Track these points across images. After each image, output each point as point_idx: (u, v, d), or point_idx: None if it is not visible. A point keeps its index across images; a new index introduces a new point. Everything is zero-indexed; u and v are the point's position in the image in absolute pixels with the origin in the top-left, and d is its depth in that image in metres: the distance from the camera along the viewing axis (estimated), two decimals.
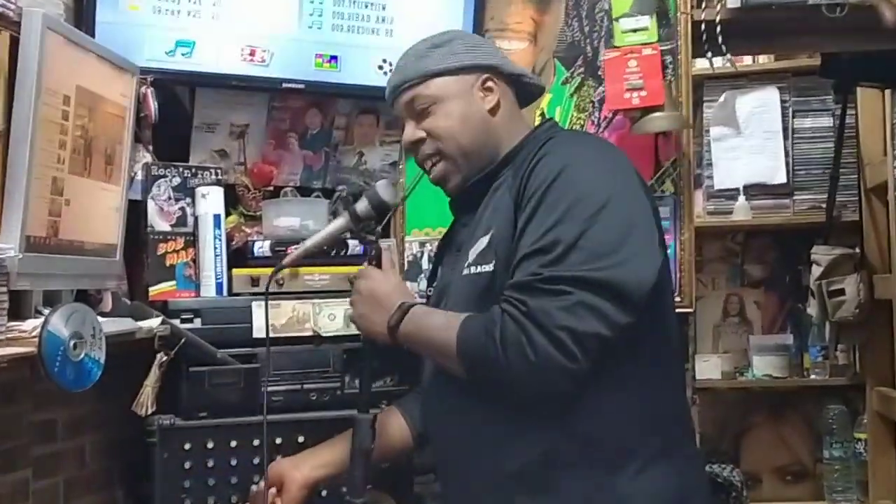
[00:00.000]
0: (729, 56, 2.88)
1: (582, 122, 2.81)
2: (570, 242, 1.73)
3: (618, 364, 1.79)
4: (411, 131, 2.04)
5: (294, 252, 2.16)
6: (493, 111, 2.01)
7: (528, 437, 1.84)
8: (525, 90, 2.10)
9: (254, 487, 2.18)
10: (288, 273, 2.50)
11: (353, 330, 2.15)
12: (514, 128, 2.05)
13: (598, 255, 1.73)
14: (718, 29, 2.72)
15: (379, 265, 2.06)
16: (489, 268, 1.86)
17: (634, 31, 2.66)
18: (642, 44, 2.65)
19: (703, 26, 2.74)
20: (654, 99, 2.63)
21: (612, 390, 1.82)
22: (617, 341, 1.73)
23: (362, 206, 2.06)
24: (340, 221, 2.09)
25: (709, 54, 2.86)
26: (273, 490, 2.14)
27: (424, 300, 2.19)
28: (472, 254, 1.92)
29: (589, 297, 1.70)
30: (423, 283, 2.86)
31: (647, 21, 2.65)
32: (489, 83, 2.02)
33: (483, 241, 1.90)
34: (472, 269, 1.91)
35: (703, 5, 2.79)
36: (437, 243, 2.33)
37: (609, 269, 1.72)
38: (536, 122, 2.24)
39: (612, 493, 1.81)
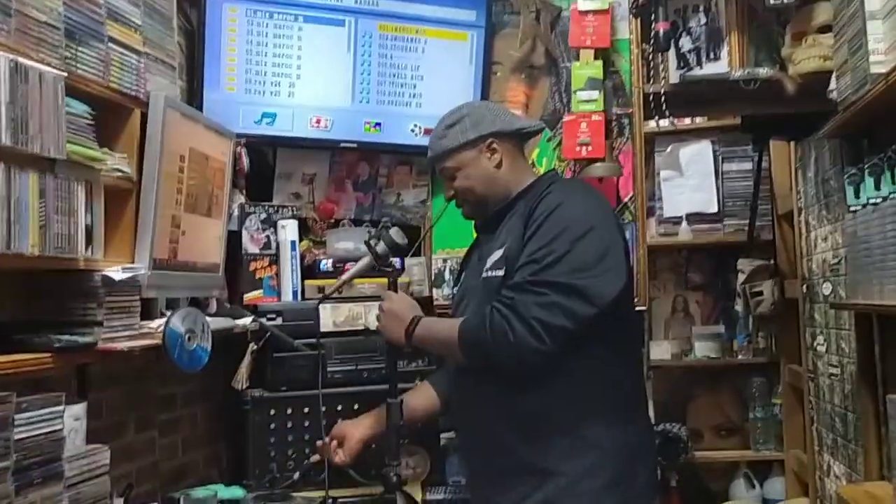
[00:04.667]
0: (671, 118, 2.89)
1: (562, 169, 2.81)
2: (558, 256, 1.77)
3: (593, 347, 1.83)
4: (447, 190, 2.09)
5: (335, 284, 2.23)
6: (498, 166, 2.02)
7: (524, 401, 1.86)
8: (528, 135, 2.10)
9: (319, 442, 2.19)
10: None
11: None
12: (520, 173, 2.05)
13: (577, 268, 1.76)
14: (663, 98, 2.73)
15: (395, 290, 2.09)
16: (500, 273, 1.88)
17: (587, 101, 2.64)
18: (592, 111, 2.62)
19: (651, 97, 2.75)
20: (597, 152, 2.61)
21: (588, 367, 1.85)
22: (583, 332, 1.77)
23: (381, 247, 2.09)
24: (366, 260, 2.10)
25: (656, 117, 2.86)
26: (334, 443, 2.15)
27: (451, 299, 2.21)
28: (489, 262, 1.93)
29: (563, 299, 1.74)
30: (447, 290, 2.87)
31: (597, 94, 2.63)
32: (493, 146, 2.01)
33: (498, 254, 1.91)
34: (489, 273, 1.92)
35: (651, 81, 2.79)
36: (461, 256, 2.34)
37: (584, 279, 1.76)
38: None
39: (586, 441, 1.83)
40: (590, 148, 2.62)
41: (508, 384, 1.87)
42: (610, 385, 1.89)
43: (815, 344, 2.97)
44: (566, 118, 2.68)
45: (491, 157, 2.02)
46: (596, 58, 2.68)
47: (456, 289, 2.21)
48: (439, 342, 1.96)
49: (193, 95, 2.52)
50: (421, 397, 2.19)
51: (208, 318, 2.04)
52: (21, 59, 1.52)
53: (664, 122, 3.21)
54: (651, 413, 2.73)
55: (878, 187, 2.11)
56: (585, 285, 1.75)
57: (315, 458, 2.24)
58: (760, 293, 3.40)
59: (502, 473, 1.89)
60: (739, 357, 3.64)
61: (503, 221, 2.01)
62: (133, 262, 1.90)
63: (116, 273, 1.74)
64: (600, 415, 1.86)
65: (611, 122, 2.74)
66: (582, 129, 2.63)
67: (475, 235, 2.18)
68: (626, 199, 2.77)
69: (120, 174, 1.88)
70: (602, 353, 1.86)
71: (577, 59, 2.71)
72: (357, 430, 2.15)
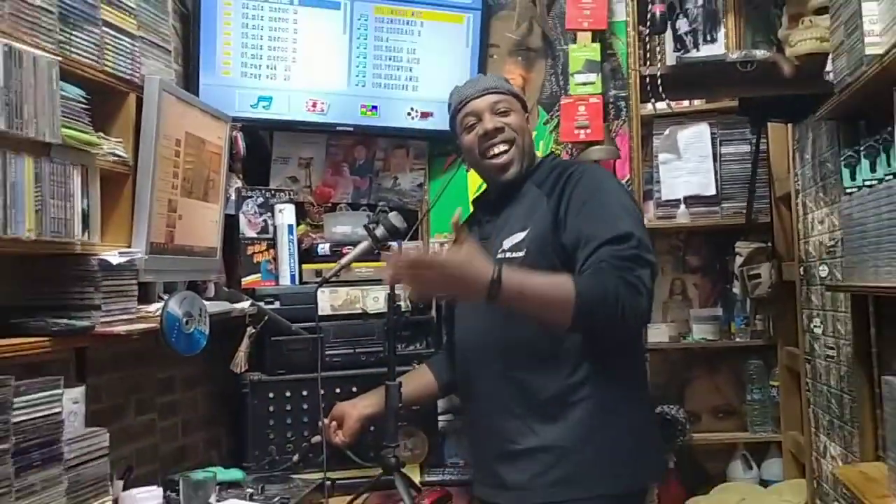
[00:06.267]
0: (667, 101, 2.89)
1: (559, 152, 2.82)
2: (638, 236, 1.78)
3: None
4: (495, 120, 2.00)
5: (334, 269, 2.18)
6: (530, 132, 2.08)
7: (546, 382, 1.85)
8: None
9: (320, 423, 2.20)
10: None
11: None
12: (534, 152, 2.09)
13: (649, 247, 1.80)
14: (659, 81, 2.72)
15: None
16: (521, 254, 1.87)
17: (584, 84, 2.64)
18: (589, 94, 2.63)
19: (647, 79, 2.74)
20: (596, 135, 2.62)
21: (616, 346, 1.88)
22: None
23: (380, 231, 2.10)
24: (365, 244, 2.11)
25: (652, 100, 2.85)
26: (334, 423, 2.16)
27: None
28: (507, 244, 1.91)
29: (650, 278, 1.76)
30: None
31: (594, 77, 2.63)
32: (529, 117, 2.09)
33: (519, 236, 1.90)
34: (508, 254, 1.89)
35: (648, 63, 2.79)
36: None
37: (653, 257, 1.80)
38: None
39: (608, 420, 1.84)
40: (588, 131, 2.63)
41: (534, 366, 1.86)
42: (633, 364, 1.94)
43: (811, 326, 2.98)
44: (564, 101, 2.68)
45: (529, 123, 2.09)
46: (593, 40, 2.68)
47: None
48: (542, 296, 1.72)
49: (189, 79, 2.52)
50: (419, 380, 2.19)
51: (206, 302, 2.04)
52: (15, 44, 1.52)
53: (661, 105, 3.20)
54: None
55: (873, 169, 2.11)
56: (655, 263, 1.82)
57: (315, 439, 2.24)
58: (758, 276, 3.39)
59: (517, 454, 1.88)
60: (737, 339, 3.63)
61: (509, 204, 1.99)
62: (130, 247, 1.90)
63: (113, 257, 1.75)
64: (624, 393, 1.88)
65: (608, 105, 2.74)
66: (580, 111, 2.63)
67: (471, 214, 2.17)
68: (622, 182, 2.77)
69: (116, 158, 1.88)
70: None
71: (574, 41, 2.70)
72: (355, 409, 2.15)
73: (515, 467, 1.88)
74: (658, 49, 2.78)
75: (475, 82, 2.08)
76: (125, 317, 1.79)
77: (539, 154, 2.69)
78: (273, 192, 2.67)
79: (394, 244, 2.18)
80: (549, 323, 1.75)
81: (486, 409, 1.97)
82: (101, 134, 1.86)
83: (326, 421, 2.16)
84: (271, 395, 2.41)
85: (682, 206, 3.64)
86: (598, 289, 1.70)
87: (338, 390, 2.42)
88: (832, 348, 2.74)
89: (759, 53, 2.62)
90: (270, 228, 2.62)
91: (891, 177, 2.01)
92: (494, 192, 2.06)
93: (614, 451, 1.84)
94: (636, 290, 1.71)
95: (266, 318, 2.37)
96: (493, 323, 1.91)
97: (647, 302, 1.74)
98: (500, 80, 2.08)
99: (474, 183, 2.86)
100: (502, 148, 1.99)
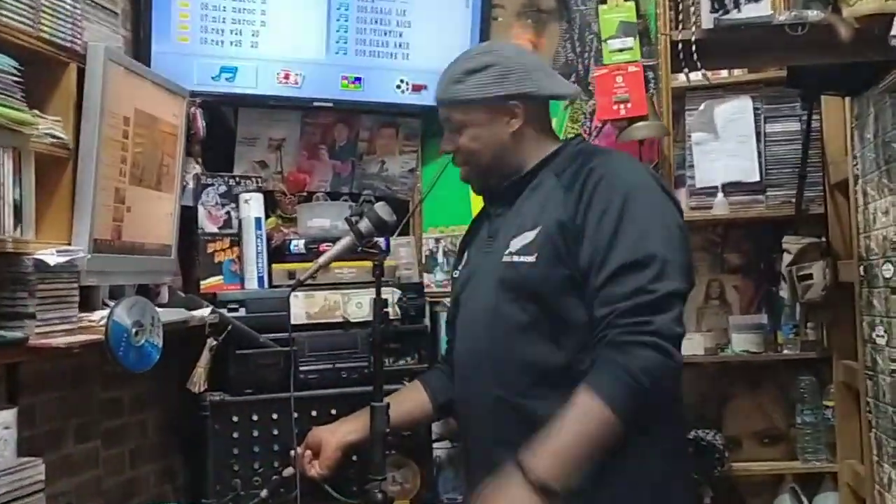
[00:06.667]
0: (703, 71, 2.89)
1: (576, 131, 2.82)
2: (663, 258, 1.76)
3: None
4: (446, 142, 2.05)
5: (310, 269, 2.12)
6: (515, 134, 1.99)
7: (552, 409, 1.77)
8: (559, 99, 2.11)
9: (292, 452, 2.19)
10: None
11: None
12: (541, 141, 2.03)
13: (681, 268, 1.79)
14: (694, 47, 2.72)
15: (382, 273, 2.10)
16: (531, 259, 1.86)
17: (620, 50, 2.64)
18: (627, 62, 2.64)
19: (680, 45, 2.74)
20: (638, 110, 2.63)
21: None
22: None
23: (364, 225, 2.09)
24: (347, 240, 2.10)
25: (686, 70, 2.86)
26: (308, 452, 2.15)
27: (450, 282, 2.17)
28: (516, 244, 1.90)
29: (680, 305, 1.77)
30: (440, 275, 2.88)
31: (632, 42, 2.64)
32: (515, 110, 1.98)
33: (529, 236, 1.89)
34: (515, 258, 1.89)
35: (681, 27, 2.78)
36: (456, 235, 2.32)
37: (686, 280, 1.80)
38: None
39: (623, 453, 1.77)
40: (629, 105, 2.64)
41: (539, 393, 1.85)
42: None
43: (873, 335, 2.98)
44: (598, 72, 2.69)
45: (509, 123, 1.99)
46: None
47: (458, 270, 2.16)
48: (585, 453, 1.70)
49: (139, 47, 2.52)
50: (411, 400, 2.19)
51: (159, 310, 2.03)
52: None
53: (696, 76, 3.20)
54: None
55: None
56: (687, 287, 1.80)
57: (288, 471, 2.24)
58: (810, 276, 3.39)
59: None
60: (785, 351, 3.63)
61: (523, 194, 1.99)
62: (70, 244, 1.90)
63: (51, 256, 1.74)
64: (649, 416, 1.79)
65: None
66: (618, 83, 2.64)
67: (483, 206, 2.15)
68: (648, 167, 2.78)
69: (53, 140, 1.88)
70: None
71: (605, 1, 2.70)
72: (334, 436, 2.15)
73: None
74: (693, 10, 2.77)
75: (440, 80, 2.05)
76: (64, 327, 1.79)
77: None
78: (238, 179, 2.67)
79: (380, 240, 2.18)
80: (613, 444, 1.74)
81: (482, 438, 1.97)
82: (37, 112, 1.85)
83: (300, 449, 2.16)
84: (235, 418, 2.41)
85: (720, 195, 3.64)
86: (620, 388, 1.70)
87: (314, 413, 2.42)
88: None
89: (812, 14, 2.62)
90: (234, 222, 2.62)
91: None
92: (507, 181, 2.06)
93: (635, 489, 1.83)
94: (657, 352, 1.71)
95: (229, 327, 2.37)
96: (492, 340, 1.91)
97: (675, 343, 1.73)
98: (450, 82, 2.01)
99: None
100: (460, 168, 2.06)
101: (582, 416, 1.70)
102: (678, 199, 1.99)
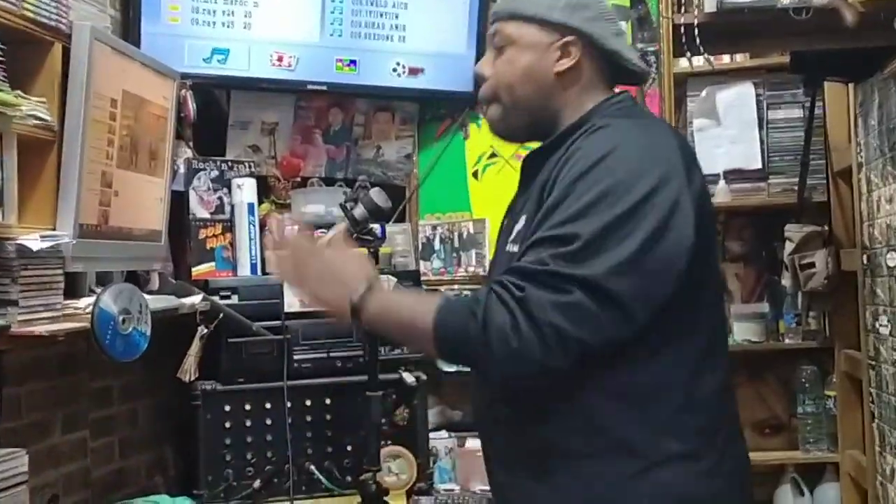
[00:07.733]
0: (705, 56, 2.87)
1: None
2: (589, 240, 1.45)
3: (643, 348, 1.52)
4: (484, 63, 1.74)
5: None
6: (561, 75, 1.68)
7: (538, 430, 1.59)
8: (622, 69, 1.74)
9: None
10: None
11: None
12: (584, 99, 1.70)
13: (614, 262, 1.44)
14: (696, 31, 2.71)
15: (377, 261, 2.04)
16: (515, 250, 1.61)
17: None
18: None
19: (682, 29, 2.72)
20: None
21: (637, 375, 1.54)
22: (610, 353, 1.48)
23: (359, 211, 2.08)
24: (341, 227, 2.08)
25: (688, 54, 2.84)
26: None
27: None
28: (514, 230, 1.66)
29: (589, 302, 1.43)
30: (437, 263, 2.86)
31: (624, 26, 2.63)
32: (571, 47, 1.68)
33: (522, 221, 1.64)
34: (510, 248, 1.65)
35: (683, 10, 2.77)
36: (452, 222, 2.27)
37: (621, 279, 1.44)
38: None
39: (606, 489, 1.55)
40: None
41: (521, 404, 1.61)
42: (654, 415, 1.55)
43: (876, 325, 2.97)
44: None
45: (559, 60, 1.68)
46: None
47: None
48: (402, 326, 1.58)
49: (128, 27, 2.50)
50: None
51: (147, 297, 2.02)
52: None
53: (698, 61, 3.18)
54: None
55: None
56: (622, 290, 1.44)
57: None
58: (812, 265, 3.39)
59: None
60: (786, 341, 3.63)
61: (535, 175, 1.71)
62: (55, 229, 1.88)
63: (34, 241, 1.73)
64: (638, 456, 1.55)
65: None
66: None
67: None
68: None
69: (37, 122, 1.86)
70: (661, 357, 1.54)
71: None
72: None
73: None
74: None
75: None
76: (49, 314, 1.77)
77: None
78: (230, 163, 2.66)
79: (375, 226, 2.16)
80: (421, 353, 1.70)
81: (487, 449, 1.75)
82: (20, 92, 1.83)
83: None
84: (228, 408, 2.41)
85: (722, 182, 3.63)
86: (461, 315, 1.49)
87: (308, 402, 2.41)
88: None
89: None
90: (227, 208, 2.61)
91: None
92: (532, 156, 1.79)
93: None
94: (510, 318, 1.44)
95: (221, 315, 2.36)
96: None
97: (537, 330, 1.43)
98: None
99: (473, 153, 2.83)
100: (484, 104, 1.77)
101: (419, 312, 1.52)
102: (693, 174, 1.57)
